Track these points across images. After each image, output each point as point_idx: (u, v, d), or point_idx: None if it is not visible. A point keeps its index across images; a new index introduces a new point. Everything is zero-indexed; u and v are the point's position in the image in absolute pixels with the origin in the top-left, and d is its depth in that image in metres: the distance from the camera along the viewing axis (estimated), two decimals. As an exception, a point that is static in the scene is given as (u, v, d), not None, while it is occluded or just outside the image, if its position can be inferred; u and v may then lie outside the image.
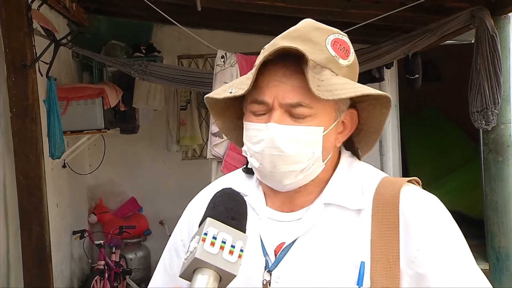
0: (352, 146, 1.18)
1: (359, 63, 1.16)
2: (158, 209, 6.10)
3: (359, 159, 1.17)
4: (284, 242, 1.07)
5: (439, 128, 7.97)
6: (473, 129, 4.12)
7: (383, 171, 1.16)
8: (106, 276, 4.93)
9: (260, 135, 1.05)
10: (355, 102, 1.12)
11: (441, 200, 1.12)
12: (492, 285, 1.06)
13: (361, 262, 1.00)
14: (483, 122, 3.63)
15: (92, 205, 6.12)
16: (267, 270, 1.06)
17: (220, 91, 1.09)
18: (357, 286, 0.99)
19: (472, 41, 3.74)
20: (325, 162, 1.08)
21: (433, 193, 1.12)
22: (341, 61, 1.06)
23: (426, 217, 1.04)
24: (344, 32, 1.12)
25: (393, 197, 1.04)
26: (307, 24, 1.10)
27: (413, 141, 7.73)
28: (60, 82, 4.75)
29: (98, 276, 4.89)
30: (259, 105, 1.06)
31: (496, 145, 3.81)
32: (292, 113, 1.03)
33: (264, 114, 1.05)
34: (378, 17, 3.92)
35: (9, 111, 3.70)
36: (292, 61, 1.02)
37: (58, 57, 4.28)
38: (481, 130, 3.88)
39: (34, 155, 3.73)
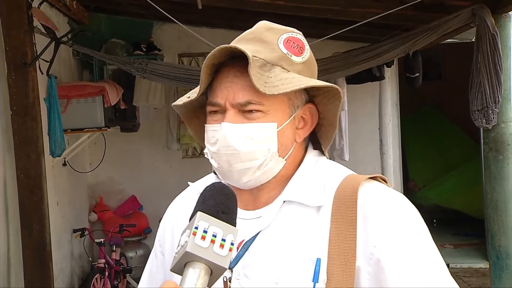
0: (318, 143, 1.20)
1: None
2: (159, 208, 6.06)
3: (326, 157, 1.19)
4: (244, 240, 1.09)
5: (439, 126, 7.98)
6: (473, 128, 4.12)
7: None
8: (107, 274, 4.93)
9: (216, 136, 1.08)
10: (312, 97, 1.14)
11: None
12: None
13: (317, 258, 1.01)
14: (484, 120, 3.63)
15: (93, 203, 6.13)
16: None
17: (183, 98, 1.15)
18: (313, 283, 1.00)
19: (473, 40, 3.74)
20: (285, 158, 1.10)
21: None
22: (294, 58, 1.09)
23: (384, 212, 1.02)
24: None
25: (352, 193, 1.04)
26: (261, 25, 1.14)
27: (413, 140, 7.74)
28: (60, 80, 4.76)
29: (98, 274, 4.90)
30: (214, 107, 1.09)
31: (496, 144, 3.80)
32: (244, 111, 1.06)
33: (220, 115, 1.09)
34: (379, 16, 3.91)
35: (9, 109, 3.70)
36: (243, 62, 1.04)
37: (59, 55, 4.28)
38: (481, 129, 3.87)
39: (35, 153, 3.74)
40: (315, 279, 1.00)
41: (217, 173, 1.15)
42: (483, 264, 5.45)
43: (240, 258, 1.07)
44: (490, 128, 3.71)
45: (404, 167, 6.83)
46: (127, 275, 5.44)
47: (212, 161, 1.11)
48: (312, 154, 1.17)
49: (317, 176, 1.11)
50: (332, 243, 1.01)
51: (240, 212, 1.10)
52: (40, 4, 3.96)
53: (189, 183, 1.27)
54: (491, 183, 3.86)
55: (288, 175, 1.12)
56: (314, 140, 1.19)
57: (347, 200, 1.04)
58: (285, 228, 1.06)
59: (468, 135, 7.56)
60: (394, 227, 1.01)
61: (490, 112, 3.58)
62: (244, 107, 1.06)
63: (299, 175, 1.12)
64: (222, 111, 1.08)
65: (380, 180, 1.10)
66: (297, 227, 1.05)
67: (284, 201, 1.09)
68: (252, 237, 1.08)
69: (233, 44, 1.09)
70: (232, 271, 1.07)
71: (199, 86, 1.10)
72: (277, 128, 1.07)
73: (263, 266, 1.05)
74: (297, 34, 1.13)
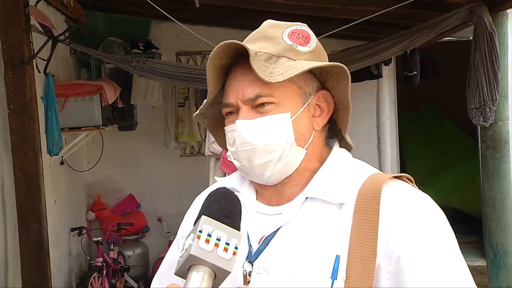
0: (339, 134, 1.20)
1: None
2: (156, 206, 6.11)
3: (349, 143, 1.20)
4: (264, 235, 1.09)
5: (437, 124, 7.98)
6: (471, 126, 4.12)
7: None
8: (104, 273, 4.93)
9: (233, 135, 1.09)
10: (323, 83, 1.15)
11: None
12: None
13: (336, 255, 1.01)
14: (481, 118, 3.63)
15: (90, 202, 6.12)
16: (247, 260, 1.08)
17: (201, 107, 1.18)
18: (331, 280, 1.00)
19: (470, 38, 3.74)
20: (305, 147, 1.10)
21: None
22: (300, 48, 1.10)
23: (407, 212, 1.01)
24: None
25: (376, 191, 1.03)
26: (265, 24, 1.16)
27: (411, 138, 7.73)
28: (57, 78, 4.74)
29: (96, 273, 4.90)
30: (228, 108, 1.11)
31: (494, 142, 3.80)
32: (257, 106, 1.07)
33: (235, 115, 1.10)
34: (377, 14, 3.91)
35: (6, 108, 3.69)
36: (249, 60, 1.04)
37: (56, 54, 4.27)
38: (479, 127, 3.88)
39: (32, 152, 3.73)
40: (334, 276, 1.00)
41: (240, 172, 1.16)
42: (480, 262, 5.46)
43: (261, 252, 1.08)
44: (487, 126, 3.72)
45: (402, 166, 6.84)
46: (125, 273, 5.45)
47: (234, 161, 1.12)
48: (338, 151, 1.17)
49: (341, 174, 1.10)
50: (353, 240, 1.01)
51: (263, 208, 1.13)
52: (37, 2, 3.95)
53: (216, 178, 1.29)
54: (489, 181, 3.87)
55: (310, 168, 1.12)
56: (333, 132, 1.20)
57: (370, 198, 1.03)
58: (306, 224, 1.06)
59: (466, 133, 7.57)
60: (416, 226, 1.00)
61: (488, 110, 3.58)
62: (255, 102, 1.07)
63: (322, 172, 1.11)
64: (236, 111, 1.09)
65: (406, 179, 1.10)
66: (318, 224, 1.05)
67: (306, 198, 1.09)
68: (273, 232, 1.08)
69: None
70: (252, 265, 1.07)
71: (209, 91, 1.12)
72: (291, 117, 1.08)
73: (282, 261, 1.05)
74: (302, 26, 1.14)
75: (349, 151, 1.20)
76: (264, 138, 1.06)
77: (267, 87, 1.05)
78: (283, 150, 1.07)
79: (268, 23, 1.15)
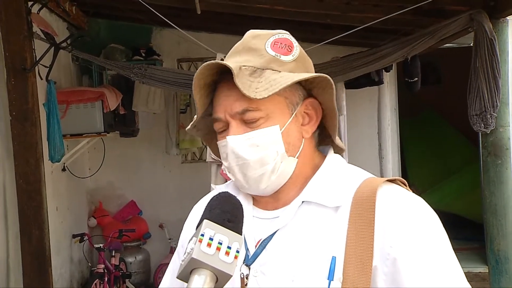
0: (330, 137, 1.22)
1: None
2: (158, 212, 6.11)
3: (341, 146, 1.21)
4: (261, 238, 1.11)
5: (438, 130, 7.98)
6: (472, 132, 4.12)
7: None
8: (106, 279, 4.93)
9: (226, 151, 1.12)
10: (310, 91, 1.16)
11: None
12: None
13: (332, 257, 1.02)
14: (482, 125, 3.63)
15: (92, 209, 6.12)
16: (245, 263, 1.10)
17: (193, 121, 1.21)
18: (328, 281, 1.01)
19: (471, 44, 3.75)
20: (296, 156, 1.12)
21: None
22: (283, 58, 1.11)
23: (402, 214, 1.03)
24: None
25: (371, 194, 1.05)
26: (248, 35, 1.17)
27: (412, 144, 7.73)
28: (59, 85, 4.76)
29: (97, 279, 4.89)
30: (218, 123, 1.13)
31: (495, 148, 3.80)
32: (245, 120, 1.09)
33: (227, 131, 1.12)
34: (377, 20, 3.93)
35: (9, 115, 3.71)
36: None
37: (58, 61, 4.29)
38: (480, 133, 3.88)
39: (34, 158, 3.74)
40: (330, 277, 1.02)
41: (236, 185, 1.17)
42: (482, 269, 5.44)
43: (258, 256, 1.10)
44: (488, 132, 3.72)
45: (404, 172, 6.83)
46: (127, 280, 5.44)
47: (229, 175, 1.14)
48: (332, 157, 1.19)
49: (336, 178, 1.13)
50: (349, 243, 1.03)
51: (259, 212, 1.16)
52: (40, 9, 3.97)
53: (212, 185, 1.31)
54: (490, 187, 3.86)
55: (304, 174, 1.14)
56: (324, 136, 1.22)
57: (365, 201, 1.05)
58: (303, 227, 1.08)
59: (467, 139, 7.56)
60: (411, 228, 1.02)
61: (489, 116, 3.58)
62: (243, 116, 1.08)
63: (318, 177, 1.13)
64: (226, 125, 1.11)
65: (399, 183, 1.12)
66: (314, 227, 1.07)
67: (302, 202, 1.11)
68: (270, 235, 1.10)
69: (227, 57, 1.13)
70: (249, 268, 1.09)
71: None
72: (280, 129, 1.09)
73: (279, 264, 1.07)
74: (284, 34, 1.15)
75: (341, 154, 1.22)
76: (256, 152, 1.08)
77: (254, 102, 1.06)
78: (275, 162, 1.09)
79: (250, 33, 1.17)
